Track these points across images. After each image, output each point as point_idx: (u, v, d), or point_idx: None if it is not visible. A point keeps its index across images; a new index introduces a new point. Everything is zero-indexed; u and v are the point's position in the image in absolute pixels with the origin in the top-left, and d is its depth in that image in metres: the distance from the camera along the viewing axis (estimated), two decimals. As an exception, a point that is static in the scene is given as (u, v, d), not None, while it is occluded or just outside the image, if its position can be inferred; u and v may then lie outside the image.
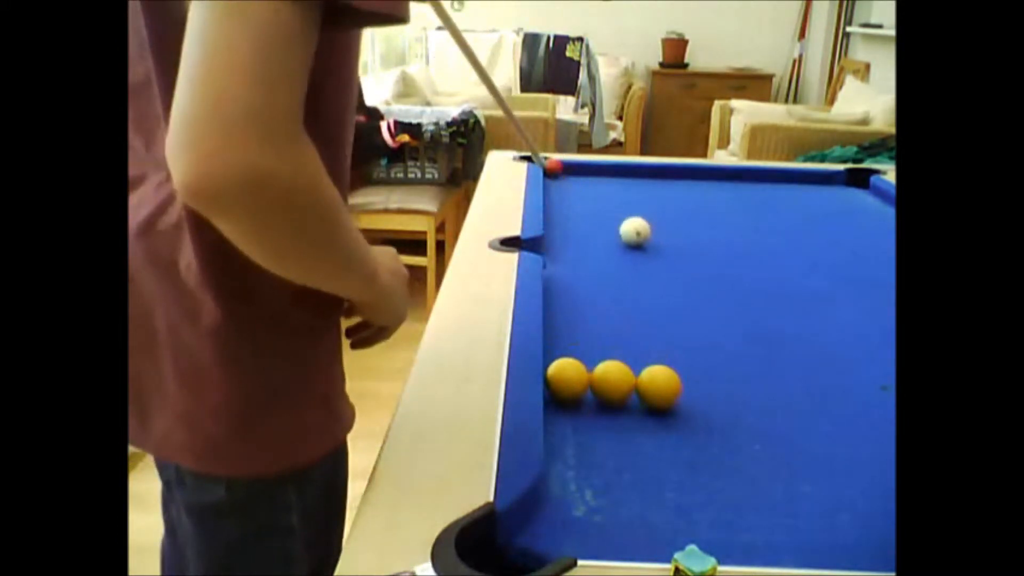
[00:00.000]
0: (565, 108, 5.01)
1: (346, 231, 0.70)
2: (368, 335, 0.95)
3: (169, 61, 0.67)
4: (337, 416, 0.87)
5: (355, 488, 0.87)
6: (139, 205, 0.78)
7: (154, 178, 0.78)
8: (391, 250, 0.91)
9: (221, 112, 0.56)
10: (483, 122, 3.64)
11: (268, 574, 0.87)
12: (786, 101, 5.92)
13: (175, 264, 0.76)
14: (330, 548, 0.93)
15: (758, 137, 3.77)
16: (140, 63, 0.75)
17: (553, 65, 5.03)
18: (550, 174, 2.18)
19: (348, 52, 0.76)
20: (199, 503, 0.85)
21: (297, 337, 0.81)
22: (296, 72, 0.58)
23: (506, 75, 5.18)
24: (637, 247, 1.63)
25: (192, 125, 0.56)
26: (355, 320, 0.94)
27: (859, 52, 5.56)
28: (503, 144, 3.44)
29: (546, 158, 2.20)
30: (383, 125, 3.41)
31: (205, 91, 0.56)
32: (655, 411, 1.01)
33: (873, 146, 3.55)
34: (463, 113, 3.53)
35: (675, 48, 5.88)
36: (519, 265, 1.39)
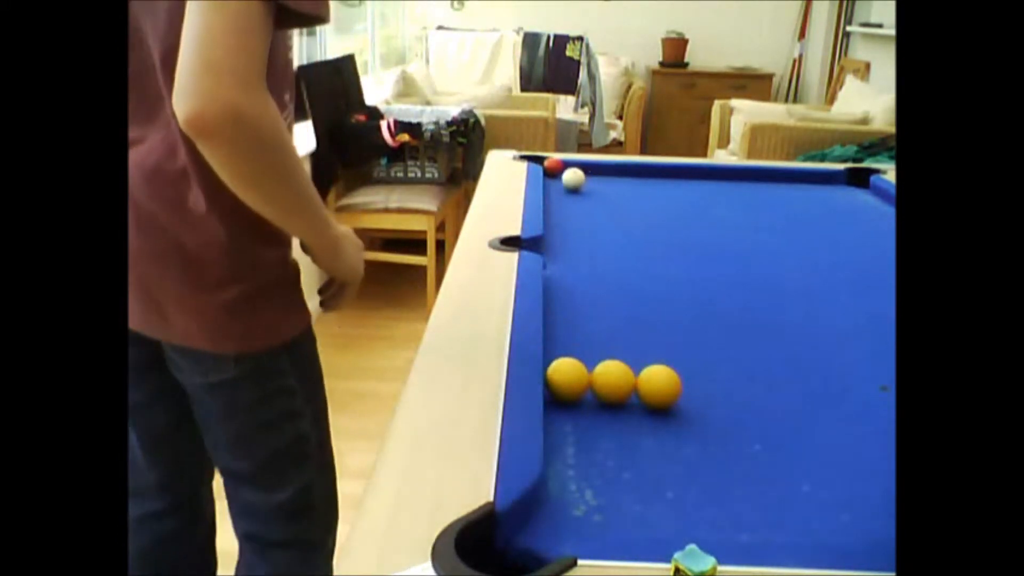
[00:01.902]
0: (565, 108, 5.01)
1: (302, 175, 0.94)
2: (333, 294, 1.17)
3: (168, 54, 0.92)
4: (304, 302, 1.13)
5: (355, 488, 0.88)
6: (147, 155, 1.00)
7: (156, 138, 0.99)
8: (348, 228, 1.15)
9: (211, 70, 0.81)
10: (483, 122, 3.64)
11: (281, 425, 1.13)
12: (786, 101, 5.92)
13: (184, 200, 0.99)
14: (320, 402, 1.20)
15: (758, 137, 3.77)
16: (138, 58, 0.97)
17: (553, 65, 5.03)
18: (550, 173, 2.18)
19: (280, 45, 1.01)
20: (216, 381, 1.08)
21: (278, 245, 1.07)
22: (259, 47, 0.84)
23: (506, 74, 5.18)
24: (575, 191, 2.07)
25: (191, 80, 0.81)
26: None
27: (859, 52, 5.56)
28: (503, 144, 3.45)
29: None
30: (383, 124, 3.41)
31: (200, 58, 0.81)
32: (655, 411, 1.01)
33: (873, 146, 3.55)
34: (463, 113, 3.53)
35: (675, 48, 5.88)
36: (519, 265, 1.39)
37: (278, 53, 0.99)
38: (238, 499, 1.20)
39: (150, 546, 1.25)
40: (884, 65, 5.00)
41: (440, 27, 5.61)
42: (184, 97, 0.81)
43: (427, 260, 3.43)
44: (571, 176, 2.10)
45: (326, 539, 1.24)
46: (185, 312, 1.04)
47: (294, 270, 1.11)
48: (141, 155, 1.00)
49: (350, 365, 2.92)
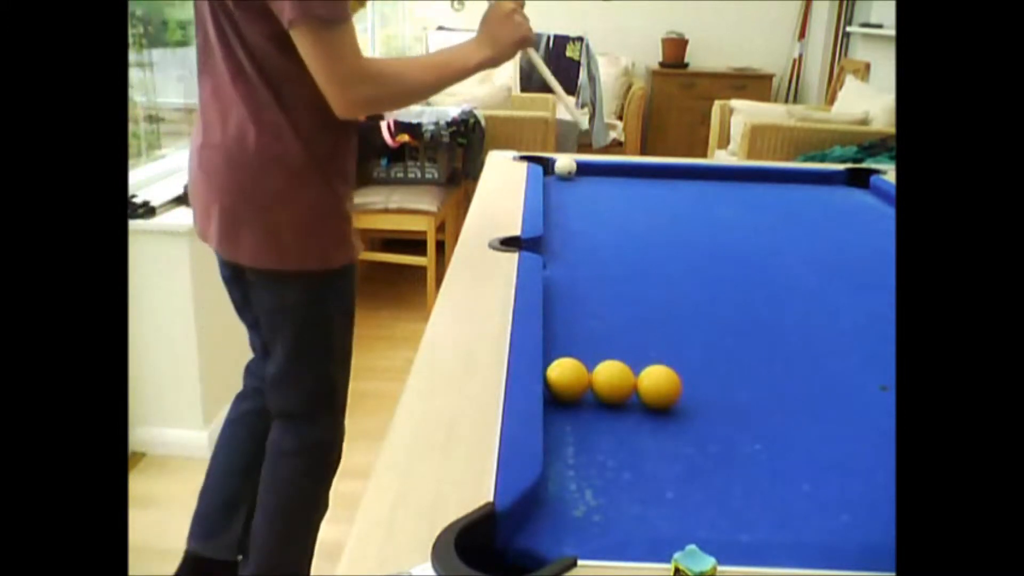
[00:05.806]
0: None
1: (429, 74, 1.37)
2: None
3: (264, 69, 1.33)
4: (353, 238, 1.46)
5: (355, 488, 0.88)
6: (242, 127, 1.34)
7: (239, 106, 1.33)
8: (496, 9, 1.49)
9: (335, 83, 1.26)
10: (483, 122, 3.64)
11: (344, 341, 1.51)
12: (786, 101, 5.92)
13: (280, 155, 1.34)
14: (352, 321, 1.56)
15: (758, 137, 3.77)
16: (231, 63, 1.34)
17: (553, 65, 5.03)
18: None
19: None
20: (296, 298, 1.42)
21: (343, 182, 1.42)
22: (354, 48, 1.26)
23: (506, 75, 5.18)
24: (567, 179, 2.20)
25: (329, 93, 1.26)
26: None
27: (859, 52, 5.56)
28: (503, 144, 3.45)
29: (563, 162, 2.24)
30: (383, 125, 3.41)
31: (326, 76, 1.25)
32: (655, 411, 1.01)
33: (873, 146, 3.55)
34: (463, 113, 3.53)
35: (675, 48, 5.88)
36: (519, 265, 1.39)
37: None
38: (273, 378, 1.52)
39: (245, 437, 1.61)
40: (884, 65, 5.00)
41: (440, 27, 5.60)
42: (332, 103, 1.27)
43: (427, 260, 3.42)
44: (563, 164, 2.23)
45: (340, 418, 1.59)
46: (262, 237, 1.35)
47: (349, 209, 1.43)
48: (237, 128, 1.34)
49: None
